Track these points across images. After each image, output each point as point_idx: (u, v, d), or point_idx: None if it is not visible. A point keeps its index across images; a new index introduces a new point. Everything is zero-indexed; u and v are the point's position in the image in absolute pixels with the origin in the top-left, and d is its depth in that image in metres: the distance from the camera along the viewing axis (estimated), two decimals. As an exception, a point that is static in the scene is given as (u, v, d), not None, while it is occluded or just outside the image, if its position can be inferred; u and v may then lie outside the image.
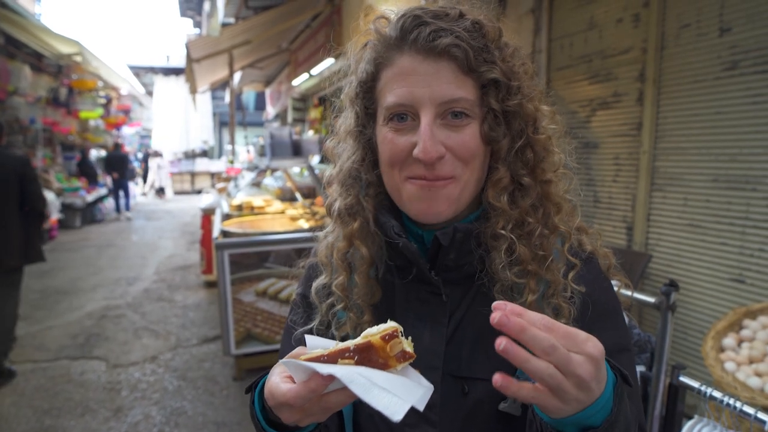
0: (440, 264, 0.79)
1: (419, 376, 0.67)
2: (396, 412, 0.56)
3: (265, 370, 0.73)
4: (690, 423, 1.35)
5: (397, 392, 0.58)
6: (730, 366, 2.13)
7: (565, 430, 0.60)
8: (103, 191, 13.25)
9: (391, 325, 0.66)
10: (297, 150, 5.06)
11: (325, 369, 0.59)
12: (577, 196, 0.85)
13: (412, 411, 0.84)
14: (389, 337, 0.64)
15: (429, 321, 0.81)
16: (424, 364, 0.81)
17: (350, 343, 0.65)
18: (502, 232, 0.76)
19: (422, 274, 0.80)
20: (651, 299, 1.45)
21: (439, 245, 0.78)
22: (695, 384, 1.35)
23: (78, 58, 11.04)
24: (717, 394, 1.28)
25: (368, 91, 0.81)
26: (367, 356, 0.64)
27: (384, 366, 0.64)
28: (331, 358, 0.63)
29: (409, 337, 0.67)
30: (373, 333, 0.66)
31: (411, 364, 0.66)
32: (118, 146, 14.73)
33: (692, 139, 3.04)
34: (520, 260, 0.76)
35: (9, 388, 4.04)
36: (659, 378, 1.42)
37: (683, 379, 1.34)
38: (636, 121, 3.41)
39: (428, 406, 0.80)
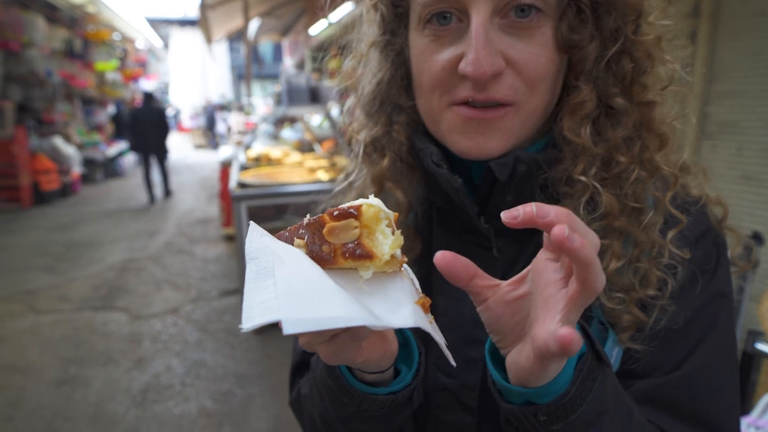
0: (492, 207, 0.60)
1: (408, 303, 0.44)
2: (247, 320, 0.39)
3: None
4: None
5: (285, 298, 0.39)
6: (789, 329, 1.95)
7: (512, 401, 0.50)
8: (123, 146, 13.23)
9: (367, 201, 0.44)
10: (315, 96, 4.82)
11: (256, 243, 0.45)
12: (688, 123, 0.63)
13: (448, 394, 0.64)
14: (341, 216, 0.42)
15: None
16: (465, 336, 0.64)
17: (307, 218, 0.45)
18: (582, 177, 0.56)
19: (468, 220, 0.62)
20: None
21: (492, 181, 0.58)
22: (776, 352, 1.17)
23: (90, 8, 10.79)
24: (805, 364, 1.11)
25: None
26: (316, 239, 0.43)
27: (328, 261, 0.42)
28: (291, 236, 0.46)
29: (397, 232, 0.44)
30: (346, 206, 0.44)
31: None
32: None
33: (752, 81, 2.73)
34: (604, 214, 0.56)
35: (36, 337, 4.09)
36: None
37: (759, 346, 1.17)
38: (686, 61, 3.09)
39: (469, 388, 0.63)
